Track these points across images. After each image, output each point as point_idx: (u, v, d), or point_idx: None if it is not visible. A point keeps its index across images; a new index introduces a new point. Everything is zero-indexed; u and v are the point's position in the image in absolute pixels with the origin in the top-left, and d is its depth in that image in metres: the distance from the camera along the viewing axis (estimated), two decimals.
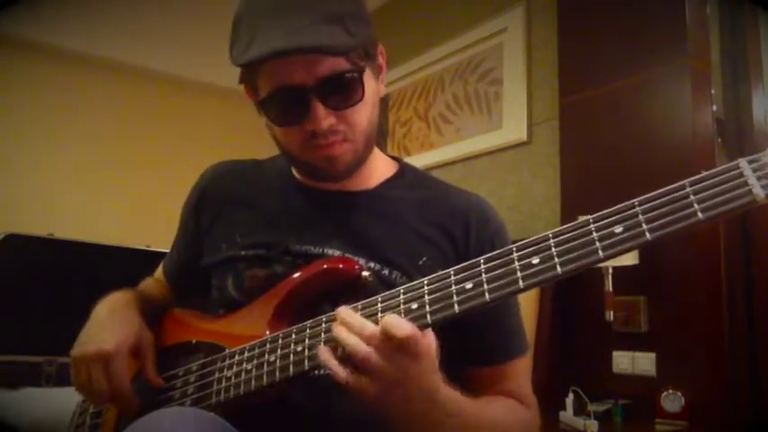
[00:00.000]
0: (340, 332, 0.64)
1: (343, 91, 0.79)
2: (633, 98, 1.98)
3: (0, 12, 2.12)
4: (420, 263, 0.84)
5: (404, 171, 0.96)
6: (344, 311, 0.66)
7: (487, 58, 2.59)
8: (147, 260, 1.13)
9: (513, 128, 2.42)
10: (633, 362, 1.83)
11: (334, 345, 0.65)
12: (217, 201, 0.97)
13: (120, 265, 1.00)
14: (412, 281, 0.81)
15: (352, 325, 0.64)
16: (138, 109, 3.12)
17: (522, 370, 0.88)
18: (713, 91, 1.96)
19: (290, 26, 0.74)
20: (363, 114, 0.83)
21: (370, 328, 0.63)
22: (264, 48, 0.73)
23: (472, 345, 0.84)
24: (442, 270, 0.82)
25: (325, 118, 0.78)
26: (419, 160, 2.74)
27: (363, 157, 0.86)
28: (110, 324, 0.85)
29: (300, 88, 0.77)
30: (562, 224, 2.23)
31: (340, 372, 0.63)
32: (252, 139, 3.22)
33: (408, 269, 0.83)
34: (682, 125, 1.85)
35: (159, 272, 1.10)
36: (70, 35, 2.85)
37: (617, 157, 1.98)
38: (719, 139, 2.04)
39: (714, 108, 1.94)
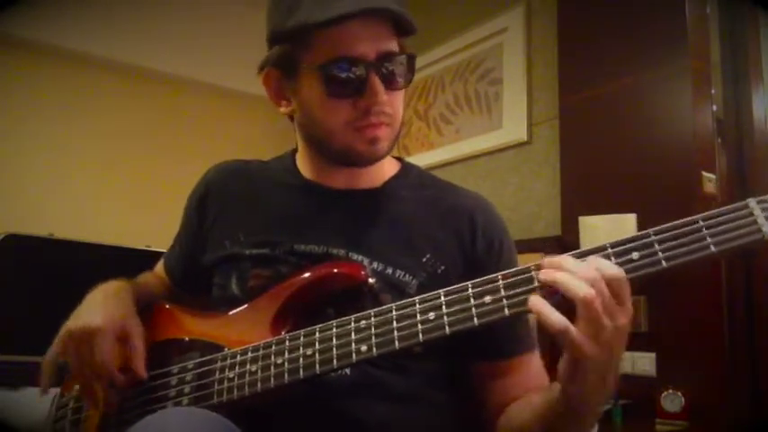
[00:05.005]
0: (555, 275, 0.61)
1: (396, 72, 0.82)
2: (633, 98, 1.98)
3: (0, 12, 2.12)
4: (424, 260, 0.84)
5: (407, 170, 0.97)
6: (554, 258, 0.62)
7: (487, 58, 2.59)
8: (147, 260, 1.13)
9: (513, 128, 2.42)
10: (633, 362, 1.83)
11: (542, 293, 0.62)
12: (221, 197, 0.96)
13: (120, 265, 1.00)
14: (416, 280, 0.82)
15: (568, 267, 0.61)
16: (138, 109, 3.11)
17: (535, 365, 0.88)
18: (713, 91, 1.96)
19: None
20: (402, 102, 0.86)
21: (586, 267, 0.60)
22: (354, 5, 0.74)
23: (483, 340, 0.83)
24: (447, 267, 0.83)
25: (383, 93, 0.79)
26: (419, 160, 2.73)
27: (392, 147, 0.87)
28: (99, 305, 0.85)
29: (362, 60, 0.78)
30: (562, 224, 2.21)
31: (557, 319, 0.59)
32: (253, 140, 3.22)
33: (412, 268, 0.83)
34: (682, 125, 1.85)
35: (159, 268, 1.09)
36: (70, 35, 2.85)
37: (617, 157, 1.98)
38: (719, 139, 2.04)
39: (714, 108, 1.94)
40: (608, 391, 0.66)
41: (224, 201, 0.96)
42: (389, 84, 0.81)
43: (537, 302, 0.61)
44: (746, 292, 2.01)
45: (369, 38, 0.78)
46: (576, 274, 0.60)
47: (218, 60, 3.21)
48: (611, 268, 0.60)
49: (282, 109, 0.90)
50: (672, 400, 1.68)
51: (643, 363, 1.80)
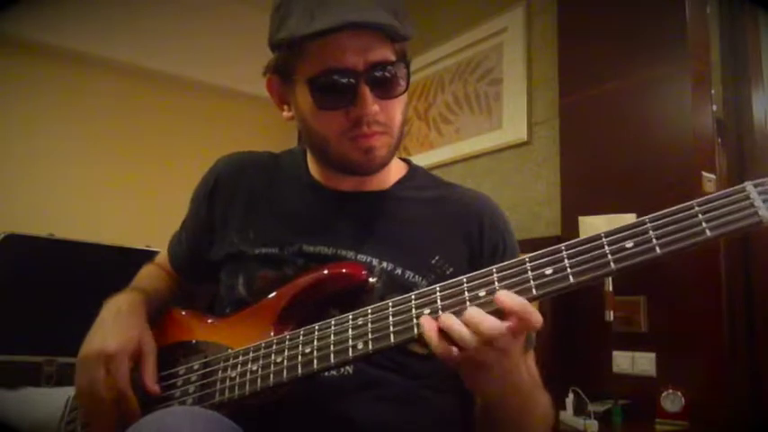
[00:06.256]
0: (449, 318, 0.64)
1: (389, 81, 0.81)
2: (633, 98, 1.98)
3: (0, 12, 2.12)
4: (433, 262, 0.85)
5: (414, 172, 0.97)
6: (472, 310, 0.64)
7: (487, 58, 2.59)
8: (147, 260, 1.13)
9: (513, 128, 2.42)
10: (633, 362, 1.83)
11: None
12: (231, 190, 0.96)
13: (120, 265, 1.00)
14: (425, 280, 0.82)
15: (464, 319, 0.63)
16: (139, 109, 3.11)
17: (531, 362, 0.88)
18: (713, 91, 1.97)
19: (357, 6, 0.76)
20: (400, 110, 0.85)
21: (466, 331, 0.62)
22: (337, 19, 0.74)
23: None
24: (455, 269, 0.83)
25: (372, 104, 0.79)
26: (419, 160, 2.71)
27: (393, 154, 0.87)
28: (113, 327, 0.85)
29: (351, 71, 0.78)
30: (562, 224, 2.21)
31: (439, 346, 0.62)
32: (253, 140, 3.22)
33: (421, 269, 0.84)
34: (682, 125, 1.85)
35: (163, 258, 1.08)
36: (70, 35, 2.85)
37: (617, 157, 1.98)
38: (719, 139, 2.04)
39: (714, 108, 1.94)
40: (514, 385, 0.70)
41: (233, 194, 0.95)
42: (382, 93, 0.81)
43: (426, 323, 0.64)
44: (746, 292, 2.01)
45: (358, 48, 0.78)
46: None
47: (219, 60, 3.21)
48: (486, 328, 0.61)
49: (285, 113, 0.90)
50: (672, 400, 1.68)
51: (643, 363, 1.81)
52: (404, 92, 0.84)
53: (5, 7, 2.00)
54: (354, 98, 0.79)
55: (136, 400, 0.81)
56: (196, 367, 0.81)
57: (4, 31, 2.68)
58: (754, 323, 1.98)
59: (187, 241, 1.03)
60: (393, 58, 0.81)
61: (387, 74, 0.81)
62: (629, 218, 1.75)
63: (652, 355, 1.80)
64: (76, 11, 2.84)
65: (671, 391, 1.68)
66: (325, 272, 0.80)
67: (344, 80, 0.78)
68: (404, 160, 0.99)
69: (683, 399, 1.66)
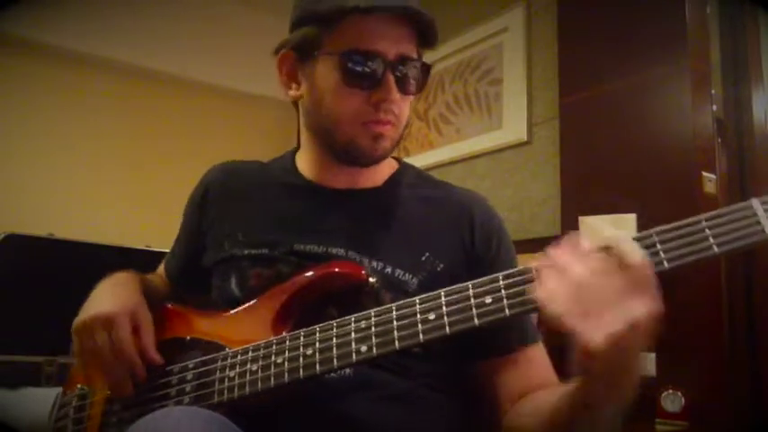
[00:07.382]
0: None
1: (410, 77, 0.85)
2: (633, 98, 1.98)
3: (0, 12, 2.12)
4: (422, 259, 0.85)
5: (405, 169, 0.98)
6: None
7: (487, 58, 2.58)
8: (147, 260, 1.13)
9: (513, 128, 2.42)
10: None
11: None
12: (220, 198, 0.97)
13: (120, 266, 1.00)
14: (416, 278, 0.82)
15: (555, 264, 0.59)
16: (139, 109, 3.11)
17: (540, 356, 0.87)
18: (713, 91, 1.96)
19: None
20: (408, 109, 0.88)
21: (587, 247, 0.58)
22: (398, 2, 0.79)
23: (488, 337, 0.82)
24: (445, 265, 0.84)
25: (396, 92, 0.82)
26: (419, 160, 2.73)
27: (393, 150, 0.89)
28: (109, 295, 0.85)
29: (383, 57, 0.81)
30: (562, 224, 2.19)
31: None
32: (253, 140, 3.22)
33: (412, 267, 0.84)
34: (682, 125, 1.85)
35: (161, 269, 1.09)
36: (70, 35, 2.85)
37: (617, 157, 1.98)
38: (719, 139, 2.04)
39: (714, 108, 1.94)
40: (622, 393, 0.67)
41: (223, 201, 0.96)
42: (402, 87, 0.83)
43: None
44: (746, 292, 2.01)
45: (392, 37, 0.81)
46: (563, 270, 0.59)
47: (218, 60, 3.21)
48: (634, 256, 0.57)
49: (291, 92, 0.90)
50: (672, 400, 1.67)
51: (643, 363, 1.80)
52: (419, 91, 0.87)
53: (5, 7, 2.00)
54: (380, 83, 0.81)
55: (142, 363, 0.80)
56: (192, 366, 0.80)
57: (4, 31, 2.68)
58: (754, 323, 1.98)
59: (179, 249, 1.04)
60: (416, 56, 0.85)
61: (410, 69, 0.84)
62: (630, 218, 1.75)
63: (652, 356, 1.79)
64: (76, 11, 2.84)
65: (671, 391, 1.68)
66: (324, 271, 0.80)
67: (374, 63, 0.80)
68: (395, 159, 0.99)
69: (682, 399, 1.66)
